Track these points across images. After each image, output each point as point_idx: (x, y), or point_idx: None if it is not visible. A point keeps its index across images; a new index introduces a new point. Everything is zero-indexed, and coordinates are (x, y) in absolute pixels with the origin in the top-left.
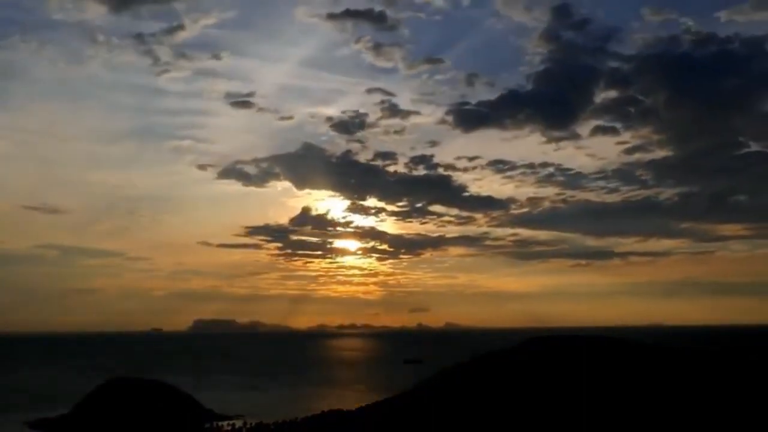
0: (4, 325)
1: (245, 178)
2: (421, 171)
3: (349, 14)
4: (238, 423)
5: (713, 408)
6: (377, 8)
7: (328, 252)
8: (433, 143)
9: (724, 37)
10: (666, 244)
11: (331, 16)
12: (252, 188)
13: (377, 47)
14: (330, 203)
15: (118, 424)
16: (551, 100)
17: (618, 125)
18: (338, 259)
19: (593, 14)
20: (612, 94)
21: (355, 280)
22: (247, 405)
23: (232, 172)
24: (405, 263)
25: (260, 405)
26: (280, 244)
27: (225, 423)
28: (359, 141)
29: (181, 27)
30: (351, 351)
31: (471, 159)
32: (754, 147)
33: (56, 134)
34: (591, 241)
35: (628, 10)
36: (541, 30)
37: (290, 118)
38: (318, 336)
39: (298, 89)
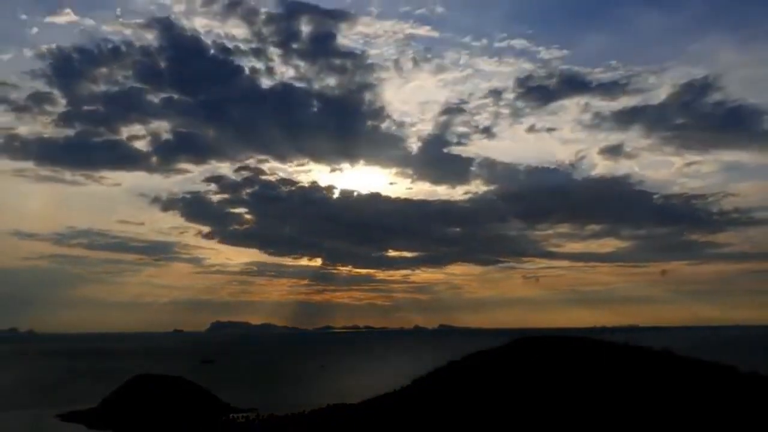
0: (41, 326)
1: None
2: None
3: None
4: (252, 415)
5: (694, 407)
6: None
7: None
8: None
9: None
10: None
11: None
12: None
13: None
14: None
15: (142, 416)
16: None
17: None
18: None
19: None
20: None
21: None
22: (258, 399)
23: None
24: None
25: (270, 399)
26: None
27: (239, 415)
28: None
29: None
30: None
31: None
32: None
33: None
34: None
35: None
36: None
37: None
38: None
39: None
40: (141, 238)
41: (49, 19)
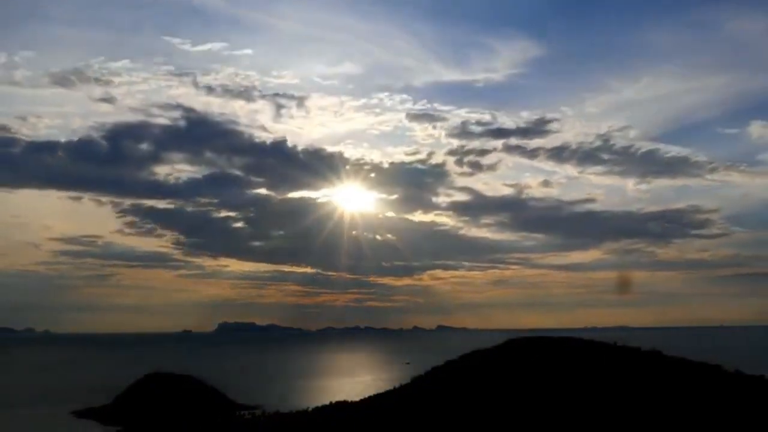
0: (57, 327)
1: None
2: None
3: None
4: (257, 412)
5: (685, 406)
6: None
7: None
8: None
9: None
10: None
11: None
12: None
13: None
14: None
15: (153, 413)
16: None
17: None
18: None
19: None
20: None
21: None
22: (264, 396)
23: None
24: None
25: (275, 396)
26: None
27: (246, 412)
28: None
29: None
30: None
31: None
32: None
33: None
34: None
35: None
36: None
37: None
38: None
39: None
40: (151, 248)
41: (102, 106)
